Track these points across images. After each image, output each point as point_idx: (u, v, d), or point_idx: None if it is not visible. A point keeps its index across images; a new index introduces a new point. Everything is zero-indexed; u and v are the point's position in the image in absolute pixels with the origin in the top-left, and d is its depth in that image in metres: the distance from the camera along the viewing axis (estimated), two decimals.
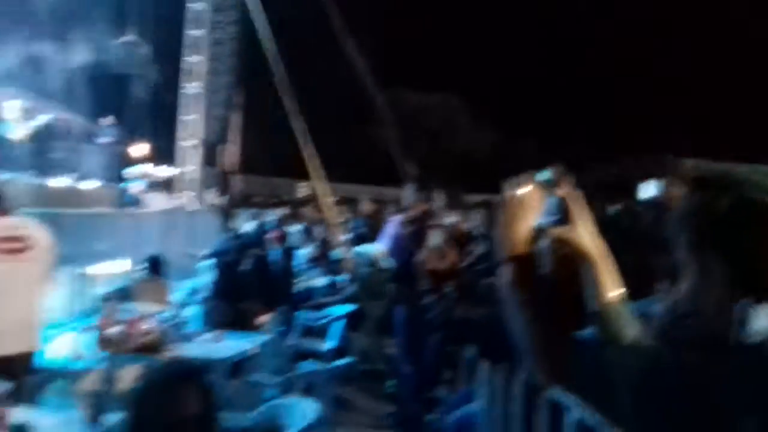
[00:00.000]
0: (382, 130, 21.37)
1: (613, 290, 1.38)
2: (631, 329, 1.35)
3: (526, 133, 26.36)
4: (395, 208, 10.80)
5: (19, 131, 11.72)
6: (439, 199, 7.51)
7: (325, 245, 11.24)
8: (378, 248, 7.50)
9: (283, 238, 9.50)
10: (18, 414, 3.05)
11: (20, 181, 9.80)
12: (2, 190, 4.13)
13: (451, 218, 7.34)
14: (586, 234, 1.40)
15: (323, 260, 10.44)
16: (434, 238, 5.87)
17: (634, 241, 1.79)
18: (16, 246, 3.89)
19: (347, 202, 16.28)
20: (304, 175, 18.16)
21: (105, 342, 4.96)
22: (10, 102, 12.23)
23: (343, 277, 9.24)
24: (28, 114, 12.10)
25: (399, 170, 19.36)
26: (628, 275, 1.43)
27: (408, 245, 6.45)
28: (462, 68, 26.77)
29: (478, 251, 6.07)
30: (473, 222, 8.53)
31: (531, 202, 1.48)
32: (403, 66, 25.64)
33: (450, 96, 29.29)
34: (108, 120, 13.49)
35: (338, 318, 7.31)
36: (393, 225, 7.19)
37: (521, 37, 27.36)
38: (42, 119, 12.19)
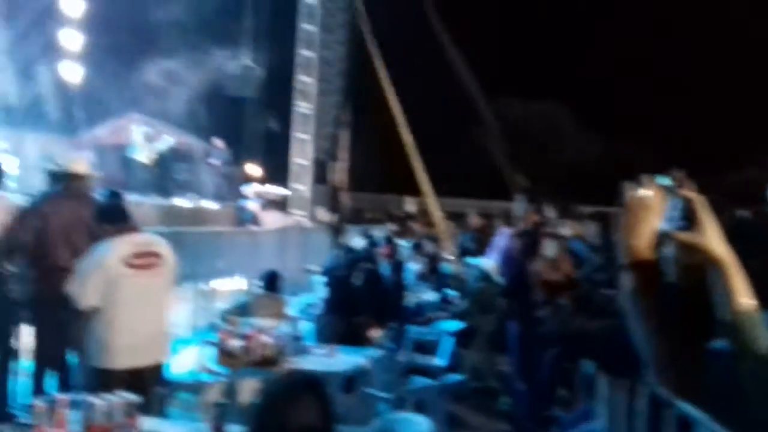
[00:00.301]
0: (487, 142, 21.21)
1: (746, 297, 1.31)
2: (766, 338, 1.27)
3: (636, 141, 25.38)
4: (503, 221, 10.66)
5: (144, 154, 12.51)
6: (549, 210, 7.33)
7: (435, 260, 11.24)
8: (488, 262, 7.43)
9: (392, 253, 9.59)
10: (147, 424, 3.21)
11: (146, 201, 10.41)
12: (129, 209, 4.39)
13: (564, 229, 7.17)
14: (714, 238, 1.33)
15: (433, 275, 10.44)
16: (548, 249, 5.75)
17: (764, 247, 1.69)
18: (149, 261, 4.13)
19: (455, 217, 16.23)
20: (411, 190, 18.29)
21: (226, 355, 5.15)
22: (136, 127, 13.09)
23: (453, 292, 9.21)
24: (152, 138, 12.90)
25: (507, 182, 19.13)
26: (760, 282, 1.35)
27: (519, 258, 6.34)
28: (566, 74, 26.17)
29: (595, 261, 5.89)
30: (587, 233, 8.29)
31: (653, 204, 1.42)
32: (506, 75, 25.35)
33: (555, 104, 28.69)
34: (220, 142, 14.12)
35: (449, 333, 7.27)
36: (503, 238, 7.09)
37: (626, 42, 26.45)
38: (165, 142, 12.96)
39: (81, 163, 5.44)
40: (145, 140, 12.70)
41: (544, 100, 28.47)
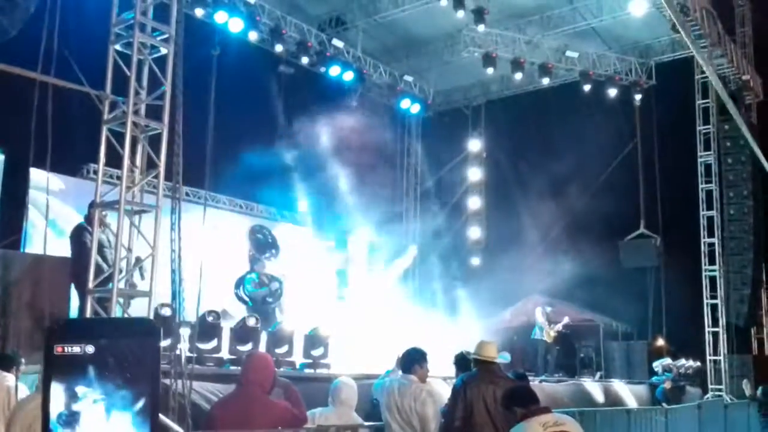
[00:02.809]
0: None
1: None
2: None
3: None
4: None
5: (546, 334, 13.41)
6: None
7: None
8: None
9: None
10: None
11: (552, 380, 11.05)
12: (535, 390, 4.94)
13: None
14: None
15: None
16: None
17: None
18: None
19: None
20: None
21: None
22: (537, 308, 14.17)
23: None
24: (552, 317, 13.80)
25: None
26: None
27: None
28: None
29: None
30: None
31: None
32: None
33: None
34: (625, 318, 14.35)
35: None
36: None
37: None
38: (565, 320, 13.73)
39: (491, 347, 6.21)
40: (545, 320, 13.65)
41: None
